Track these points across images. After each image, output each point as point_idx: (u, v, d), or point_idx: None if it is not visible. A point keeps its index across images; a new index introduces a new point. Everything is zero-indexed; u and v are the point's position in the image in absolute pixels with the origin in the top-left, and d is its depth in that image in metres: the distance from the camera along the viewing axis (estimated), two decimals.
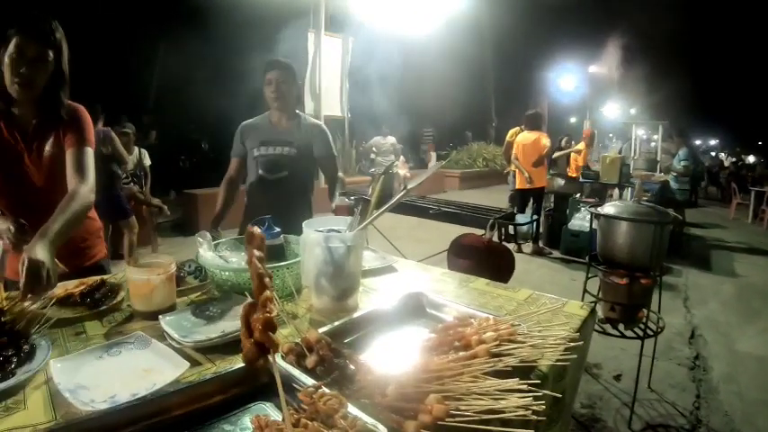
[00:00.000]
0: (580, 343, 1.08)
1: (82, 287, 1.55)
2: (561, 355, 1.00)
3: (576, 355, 1.01)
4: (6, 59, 1.66)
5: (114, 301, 1.50)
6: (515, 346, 0.98)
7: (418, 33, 10.24)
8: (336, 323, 1.23)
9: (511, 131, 7.73)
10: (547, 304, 1.51)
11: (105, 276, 1.72)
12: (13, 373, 1.05)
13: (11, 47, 1.64)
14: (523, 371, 0.99)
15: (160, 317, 1.33)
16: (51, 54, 1.71)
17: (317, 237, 1.36)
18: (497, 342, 0.99)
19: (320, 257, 1.36)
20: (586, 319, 1.44)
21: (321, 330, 1.14)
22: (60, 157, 1.81)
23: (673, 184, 8.19)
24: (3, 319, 1.21)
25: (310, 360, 0.96)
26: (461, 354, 0.96)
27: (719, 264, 6.83)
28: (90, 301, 1.49)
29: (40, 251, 1.41)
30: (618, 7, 24.08)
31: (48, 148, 1.81)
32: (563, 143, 8.70)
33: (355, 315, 1.29)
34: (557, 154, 7.23)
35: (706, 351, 3.94)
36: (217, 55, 13.45)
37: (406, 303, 1.40)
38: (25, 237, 1.62)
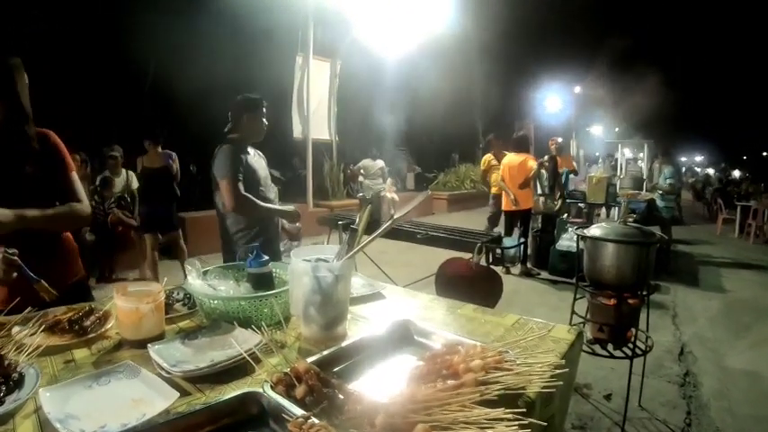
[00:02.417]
0: (565, 370, 1.10)
1: (70, 314, 1.56)
2: (548, 381, 1.01)
3: (561, 382, 1.03)
4: None
5: (103, 329, 1.50)
6: (502, 373, 1.00)
7: (404, 57, 10.39)
8: (325, 352, 1.24)
9: (485, 158, 7.95)
10: (534, 329, 1.53)
11: (93, 303, 1.72)
12: (2, 402, 1.05)
13: None
14: (511, 398, 1.00)
15: (149, 345, 1.32)
16: (3, 92, 1.74)
17: (305, 266, 1.37)
18: (484, 370, 1.01)
19: (308, 287, 1.37)
20: (573, 343, 1.46)
21: (310, 360, 1.15)
22: (44, 179, 1.85)
23: (659, 202, 8.30)
24: None
25: (299, 390, 0.97)
26: (449, 383, 0.98)
27: (707, 280, 6.89)
28: (78, 328, 1.48)
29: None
30: (602, 28, 24.62)
31: (29, 170, 1.82)
32: (546, 164, 8.77)
33: (344, 344, 1.30)
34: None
35: (696, 368, 3.95)
36: (205, 79, 13.52)
37: (393, 331, 1.41)
38: (12, 269, 1.62)
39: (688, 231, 11.44)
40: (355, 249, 1.39)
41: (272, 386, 1.01)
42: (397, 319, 1.47)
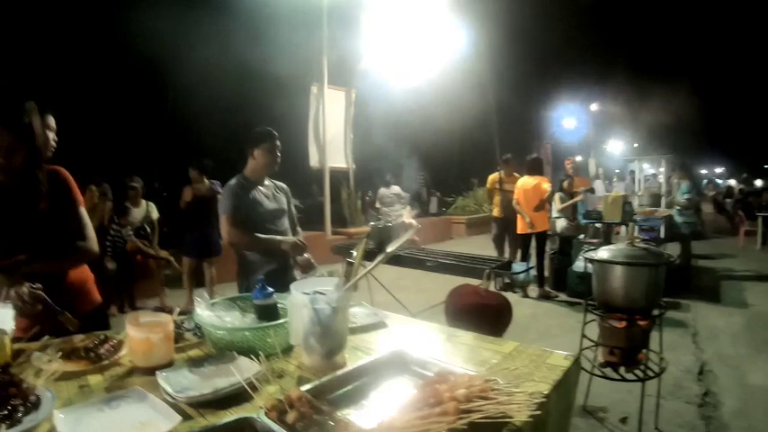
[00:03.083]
0: (543, 400, 1.13)
1: (86, 342, 1.65)
2: (529, 410, 1.05)
3: (539, 411, 1.07)
4: None
5: (116, 357, 1.58)
6: (484, 402, 1.04)
7: (420, 82, 10.50)
8: (320, 380, 1.29)
9: (491, 177, 7.99)
10: (531, 356, 1.57)
11: (108, 332, 1.81)
12: (20, 422, 1.12)
13: None
14: (495, 426, 1.04)
15: (158, 372, 1.40)
16: (25, 140, 1.87)
17: (304, 299, 1.44)
18: (468, 399, 1.05)
19: (307, 318, 1.44)
20: (569, 370, 1.48)
21: (305, 388, 1.20)
22: (56, 215, 1.99)
23: (677, 218, 8.18)
24: (11, 371, 1.30)
25: (290, 416, 1.02)
26: (432, 410, 1.02)
27: (729, 295, 6.78)
28: (93, 355, 1.57)
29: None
30: (617, 44, 24.62)
31: (42, 207, 1.96)
32: (565, 185, 8.74)
33: (339, 372, 1.35)
34: (561, 206, 7.27)
35: (716, 387, 3.88)
36: (222, 107, 13.83)
37: (389, 360, 1.45)
38: (37, 302, 1.74)
39: (710, 245, 11.24)
40: (351, 282, 1.46)
41: (266, 412, 1.06)
42: (393, 348, 1.52)
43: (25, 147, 1.87)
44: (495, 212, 7.68)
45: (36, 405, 1.20)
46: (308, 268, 2.87)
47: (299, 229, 3.23)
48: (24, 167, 1.90)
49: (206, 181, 6.19)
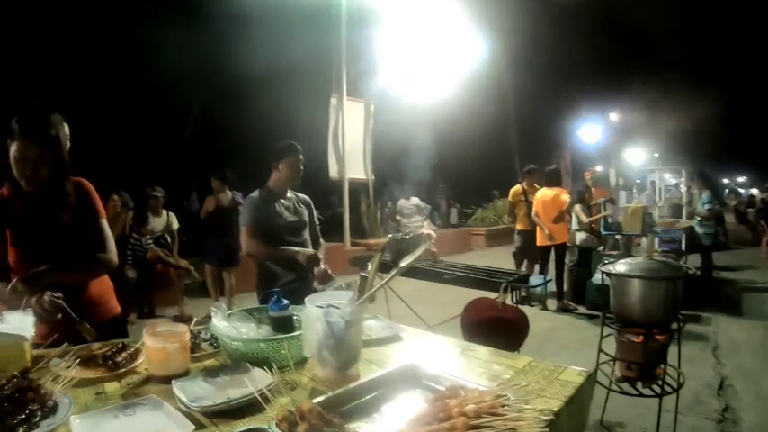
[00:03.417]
0: (552, 417, 1.13)
1: (104, 349, 1.68)
2: (538, 427, 1.05)
3: (548, 429, 1.06)
4: (12, 159, 1.88)
5: (133, 365, 1.61)
6: (494, 418, 1.04)
7: (439, 94, 10.53)
8: (332, 393, 1.30)
9: (514, 190, 7.86)
10: (545, 371, 1.56)
11: (126, 340, 1.84)
12: (37, 425, 1.16)
13: (14, 148, 1.87)
14: None
15: (173, 381, 1.42)
16: (52, 153, 1.93)
17: (318, 312, 1.46)
18: (477, 414, 1.05)
19: (321, 331, 1.45)
20: (582, 386, 1.46)
21: (317, 400, 1.21)
22: (78, 226, 2.05)
23: (698, 229, 8.02)
24: (30, 377, 1.33)
25: (300, 428, 1.03)
26: (441, 425, 1.03)
27: (751, 307, 6.64)
28: (111, 363, 1.60)
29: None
30: (636, 51, 24.36)
31: (66, 219, 2.02)
32: (586, 197, 8.61)
33: (352, 385, 1.36)
34: (587, 220, 7.17)
35: (736, 402, 3.80)
36: (243, 121, 14.01)
37: (401, 373, 1.46)
38: (57, 311, 1.79)
39: (732, 256, 11.03)
40: (365, 296, 1.47)
41: (276, 423, 1.08)
42: (405, 362, 1.52)
43: (52, 159, 1.93)
44: (520, 225, 7.52)
45: (53, 410, 1.24)
46: (325, 279, 2.90)
47: (321, 241, 3.28)
48: (50, 179, 1.95)
49: (228, 192, 6.34)
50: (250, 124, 13.73)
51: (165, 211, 6.60)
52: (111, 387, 1.49)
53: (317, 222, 3.29)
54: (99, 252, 2.10)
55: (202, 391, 1.39)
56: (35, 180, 1.92)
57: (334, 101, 9.38)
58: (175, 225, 6.64)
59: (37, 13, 11.90)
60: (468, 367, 1.64)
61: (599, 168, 7.95)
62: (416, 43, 9.57)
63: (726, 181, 33.42)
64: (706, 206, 7.98)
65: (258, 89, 13.51)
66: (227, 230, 6.22)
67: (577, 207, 7.14)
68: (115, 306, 2.28)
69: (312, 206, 3.26)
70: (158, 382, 1.51)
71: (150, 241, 6.26)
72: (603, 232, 7.47)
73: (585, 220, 7.10)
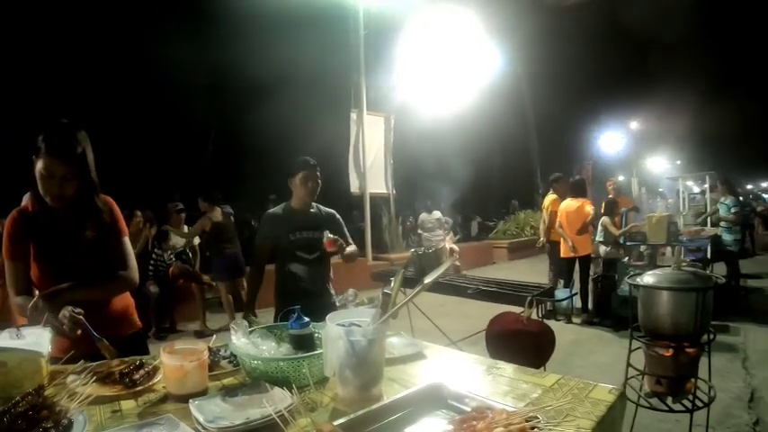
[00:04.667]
0: None
1: (122, 366, 1.66)
2: None
3: None
4: (37, 175, 1.88)
5: (150, 383, 1.58)
6: None
7: (459, 107, 10.51)
8: (354, 414, 1.25)
9: (548, 198, 7.66)
10: (574, 389, 1.49)
11: (144, 357, 1.82)
12: None
13: (40, 165, 1.86)
14: None
15: (190, 400, 1.38)
16: (78, 170, 1.92)
17: (339, 330, 1.42)
18: None
19: (342, 350, 1.41)
20: (614, 405, 1.40)
21: (339, 422, 1.16)
22: (101, 243, 2.05)
23: (725, 236, 7.77)
24: (45, 394, 1.30)
25: None
26: None
27: None
28: (128, 380, 1.57)
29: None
30: (657, 58, 24.07)
31: (89, 235, 2.03)
32: (614, 208, 8.40)
33: (374, 406, 1.31)
34: (619, 232, 7.01)
35: (767, 415, 3.67)
36: (264, 136, 14.15)
37: (426, 394, 1.40)
38: (77, 327, 1.78)
39: (757, 264, 10.79)
40: (388, 314, 1.42)
41: None
42: (430, 382, 1.46)
43: (80, 176, 1.94)
44: (555, 236, 7.18)
45: (67, 429, 1.21)
46: (350, 258, 3.03)
47: (350, 242, 3.23)
48: (76, 196, 1.96)
49: (217, 208, 6.47)
50: (271, 139, 13.87)
51: (186, 227, 6.65)
52: (128, 405, 1.46)
53: (347, 234, 3.25)
54: (120, 270, 2.10)
55: (220, 411, 1.36)
56: (60, 197, 1.92)
57: (354, 115, 9.41)
58: (196, 240, 6.69)
59: (59, 28, 12.22)
60: (495, 386, 1.57)
61: (621, 178, 7.78)
62: (436, 56, 9.58)
63: (749, 186, 32.57)
64: (732, 210, 7.74)
65: (278, 104, 13.66)
66: (228, 242, 6.39)
67: (606, 219, 7.00)
68: (136, 322, 2.28)
69: (337, 220, 3.24)
70: (176, 401, 1.47)
71: (172, 256, 6.30)
72: (628, 243, 7.30)
73: (617, 232, 6.93)
